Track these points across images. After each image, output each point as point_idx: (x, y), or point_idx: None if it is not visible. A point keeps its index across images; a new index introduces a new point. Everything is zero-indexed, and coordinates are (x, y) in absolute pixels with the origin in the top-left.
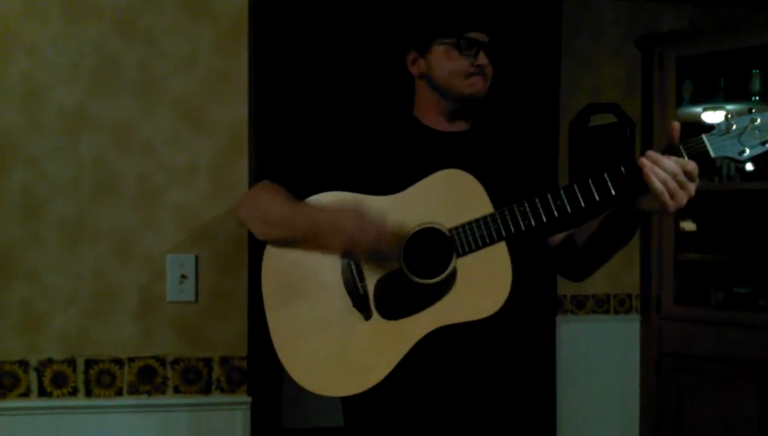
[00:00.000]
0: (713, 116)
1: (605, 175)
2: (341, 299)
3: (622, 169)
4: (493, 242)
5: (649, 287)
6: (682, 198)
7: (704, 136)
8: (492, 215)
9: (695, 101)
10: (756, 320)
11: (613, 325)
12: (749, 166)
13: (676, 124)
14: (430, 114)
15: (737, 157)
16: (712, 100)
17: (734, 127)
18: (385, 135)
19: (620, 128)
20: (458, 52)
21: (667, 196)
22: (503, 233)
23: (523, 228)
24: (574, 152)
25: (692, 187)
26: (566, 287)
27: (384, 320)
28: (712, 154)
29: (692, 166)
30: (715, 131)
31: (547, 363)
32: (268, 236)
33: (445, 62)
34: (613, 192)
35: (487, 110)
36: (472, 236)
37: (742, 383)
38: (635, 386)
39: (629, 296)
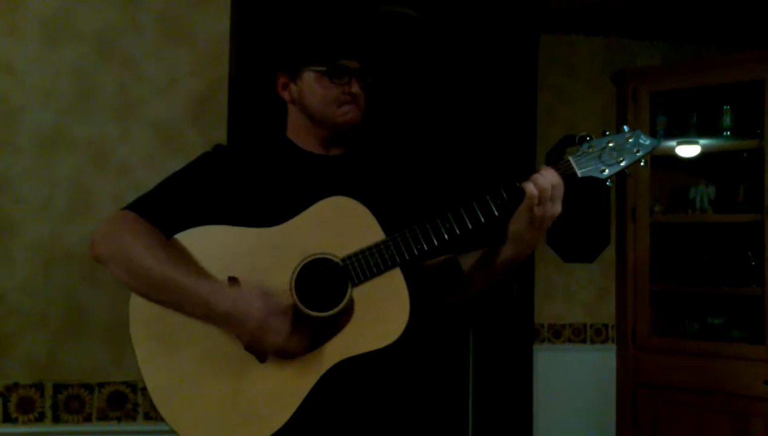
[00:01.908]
0: (687, 150)
1: (487, 197)
2: (229, 342)
3: (503, 192)
4: (387, 268)
5: (625, 318)
6: (547, 209)
7: (570, 158)
8: (385, 242)
9: (669, 135)
10: (730, 350)
11: (589, 354)
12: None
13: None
14: (305, 138)
15: (599, 175)
16: (685, 135)
17: (594, 148)
18: (260, 159)
19: None
20: (329, 80)
21: (535, 200)
22: (397, 259)
23: (416, 253)
24: None
25: (558, 205)
26: (543, 316)
27: (281, 361)
28: (579, 174)
29: (558, 179)
30: (579, 153)
31: (524, 391)
32: (135, 291)
33: (316, 90)
34: (496, 213)
35: (460, 139)
36: (366, 264)
37: (716, 413)
38: (611, 416)
39: (605, 326)
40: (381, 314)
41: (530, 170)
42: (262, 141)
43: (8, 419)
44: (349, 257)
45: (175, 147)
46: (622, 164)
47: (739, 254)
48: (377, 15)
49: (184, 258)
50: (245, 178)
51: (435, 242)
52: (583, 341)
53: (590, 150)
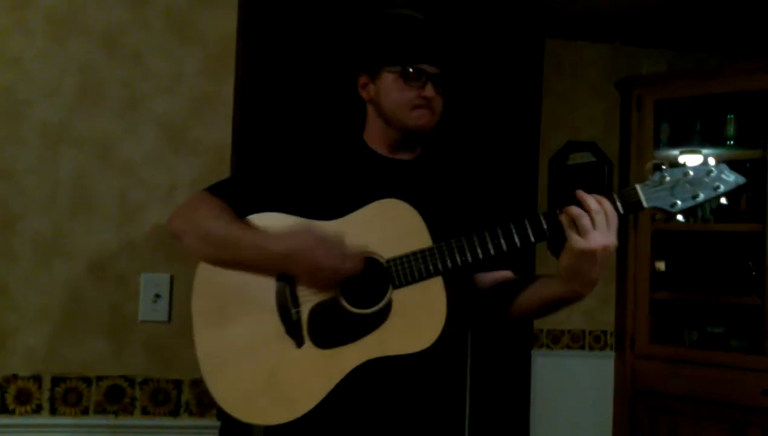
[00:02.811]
0: (690, 159)
1: (541, 216)
2: (274, 324)
3: (557, 210)
4: (429, 276)
5: (624, 325)
6: (594, 238)
7: (638, 187)
8: (430, 249)
9: (672, 144)
10: (729, 360)
11: (587, 361)
12: (723, 200)
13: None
14: (376, 139)
15: (668, 208)
16: (688, 143)
17: (667, 179)
18: (331, 157)
19: (598, 167)
20: (404, 80)
21: (572, 231)
22: (440, 267)
23: (459, 263)
24: (553, 189)
25: (607, 233)
26: (542, 322)
27: (316, 349)
28: (645, 204)
29: (607, 205)
30: (648, 183)
31: (522, 396)
32: (205, 255)
33: (392, 91)
34: (547, 234)
35: (462, 143)
36: (409, 269)
37: (714, 422)
38: (608, 423)
39: (604, 332)
40: (417, 319)
41: (533, 175)
42: (336, 140)
43: (5, 410)
44: (394, 260)
45: (180, 144)
46: (699, 199)
47: (740, 263)
48: (383, 17)
49: (246, 222)
50: (310, 172)
51: (480, 255)
52: (582, 347)
53: (662, 181)
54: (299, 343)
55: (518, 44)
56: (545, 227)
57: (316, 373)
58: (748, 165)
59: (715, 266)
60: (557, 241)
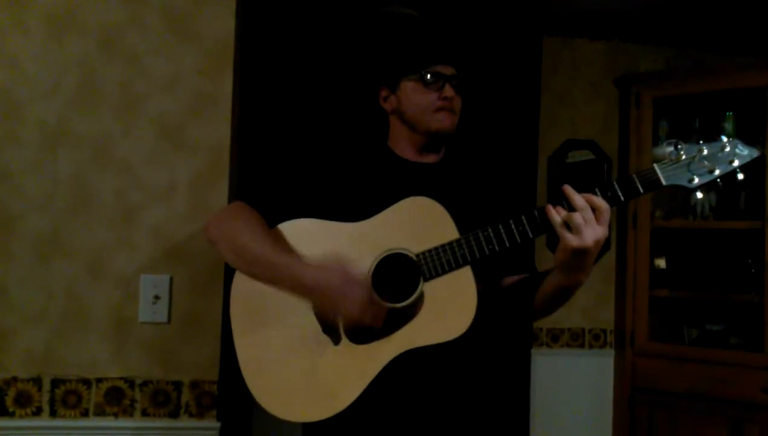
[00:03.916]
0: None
1: (564, 202)
2: (311, 324)
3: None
4: (458, 266)
5: (624, 323)
6: (587, 235)
7: (656, 166)
8: (458, 240)
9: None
10: (728, 357)
11: (587, 359)
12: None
13: (566, 187)
14: (402, 145)
15: (687, 184)
16: (687, 141)
17: (684, 156)
18: (359, 164)
19: (597, 165)
20: (424, 86)
21: (563, 229)
22: (468, 257)
23: (487, 252)
24: (553, 187)
25: (599, 228)
26: (542, 320)
27: (353, 345)
28: (664, 182)
29: (599, 202)
30: (665, 161)
31: (521, 394)
32: (238, 268)
33: (413, 98)
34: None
35: (463, 143)
36: (439, 261)
37: (714, 420)
38: (608, 421)
39: (604, 330)
40: (449, 309)
41: (532, 173)
42: (362, 148)
43: (6, 412)
44: (423, 253)
45: (177, 144)
46: (715, 174)
47: (739, 260)
48: (379, 16)
49: (279, 240)
50: (343, 180)
51: (507, 242)
52: (582, 345)
53: (678, 158)
54: (336, 341)
55: (516, 42)
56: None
57: (353, 368)
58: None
59: (714, 264)
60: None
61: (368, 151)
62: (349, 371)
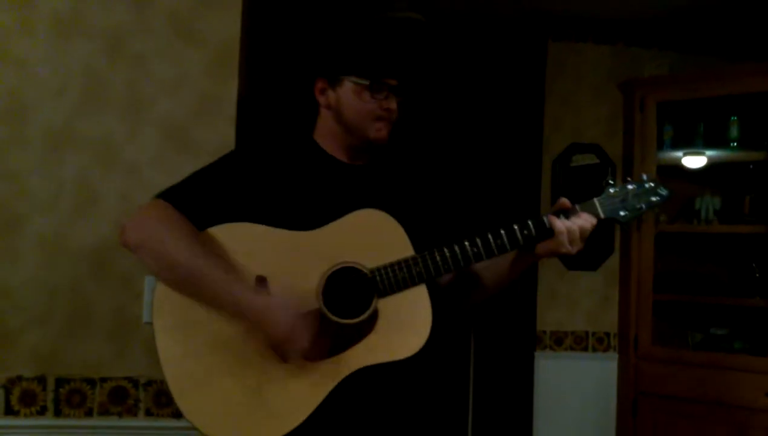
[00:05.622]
0: (693, 160)
1: (515, 227)
2: (253, 339)
3: (530, 223)
4: (414, 284)
5: (627, 327)
6: (573, 249)
7: (595, 200)
8: (413, 258)
9: (675, 145)
10: (732, 362)
11: (590, 362)
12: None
13: (564, 200)
14: (332, 144)
15: (619, 218)
16: (691, 145)
17: (618, 192)
18: (288, 160)
19: (601, 169)
20: (370, 94)
21: (566, 240)
22: (424, 275)
23: (443, 272)
24: (557, 190)
25: (579, 243)
26: (545, 323)
27: (303, 361)
28: (602, 215)
29: (574, 225)
30: (603, 195)
31: (525, 398)
32: (163, 279)
33: (354, 101)
34: (521, 243)
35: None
36: (394, 278)
37: (717, 424)
38: (611, 424)
39: (607, 334)
40: (403, 326)
41: (536, 179)
42: (287, 140)
43: (10, 411)
44: (378, 269)
45: (182, 146)
46: (641, 211)
47: (744, 265)
48: (384, 21)
49: (216, 254)
50: (271, 177)
51: (461, 263)
52: (585, 348)
53: (614, 194)
54: (284, 357)
55: (521, 47)
56: (519, 237)
57: (304, 386)
58: (751, 166)
59: (718, 268)
60: (528, 249)
61: (295, 143)
62: (298, 391)
